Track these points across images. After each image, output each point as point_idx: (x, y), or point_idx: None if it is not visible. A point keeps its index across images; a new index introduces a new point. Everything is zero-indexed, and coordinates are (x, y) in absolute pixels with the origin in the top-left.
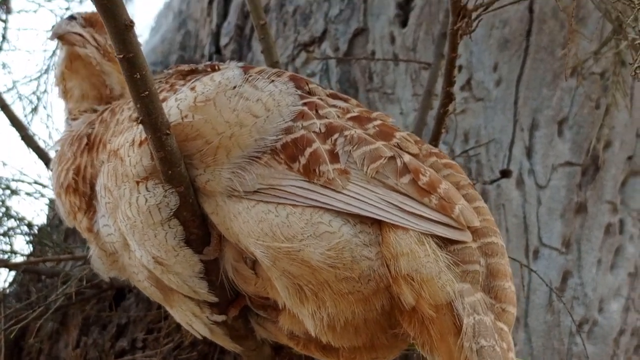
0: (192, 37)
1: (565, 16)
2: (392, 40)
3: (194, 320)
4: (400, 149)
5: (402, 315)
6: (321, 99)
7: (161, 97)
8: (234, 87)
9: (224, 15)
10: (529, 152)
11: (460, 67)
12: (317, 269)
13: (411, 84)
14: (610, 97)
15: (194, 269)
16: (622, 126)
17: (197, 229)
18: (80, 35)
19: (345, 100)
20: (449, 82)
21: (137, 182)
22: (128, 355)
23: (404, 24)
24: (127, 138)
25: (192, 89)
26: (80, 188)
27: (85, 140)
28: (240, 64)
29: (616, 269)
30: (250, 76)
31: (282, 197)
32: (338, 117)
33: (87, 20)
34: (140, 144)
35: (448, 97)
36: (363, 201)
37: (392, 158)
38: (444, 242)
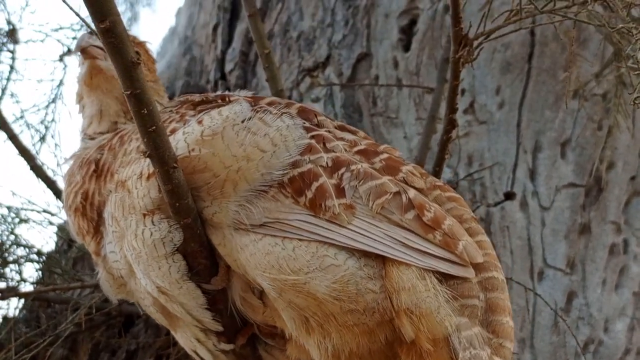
0: (197, 62)
1: (566, 39)
2: (396, 64)
3: (198, 347)
4: (406, 183)
5: (401, 348)
6: (329, 131)
7: (171, 127)
8: (242, 122)
9: (228, 41)
10: (533, 174)
11: (463, 91)
12: (322, 301)
13: (415, 108)
14: (612, 118)
15: (198, 301)
16: (624, 147)
17: (205, 259)
18: (101, 48)
19: (353, 133)
20: (452, 109)
21: (144, 215)
22: None
23: (406, 48)
24: (134, 170)
25: (200, 122)
26: (88, 213)
27: (93, 167)
28: (250, 93)
29: (621, 288)
30: (258, 111)
31: (288, 232)
32: (345, 150)
33: None
34: (149, 177)
35: (451, 124)
36: (368, 237)
37: (398, 193)
38: (444, 276)
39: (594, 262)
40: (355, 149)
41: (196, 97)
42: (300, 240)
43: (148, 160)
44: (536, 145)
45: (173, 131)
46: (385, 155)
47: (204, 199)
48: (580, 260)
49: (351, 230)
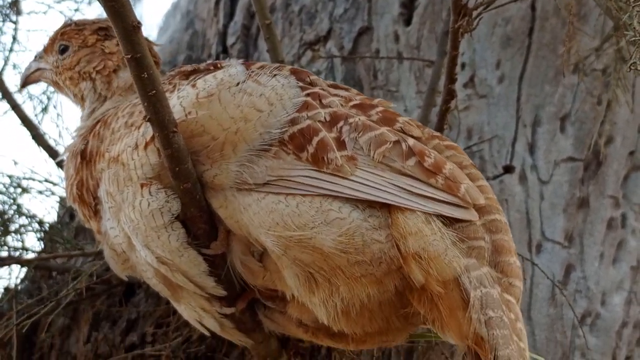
0: (199, 37)
1: (567, 13)
2: (396, 38)
3: (204, 315)
4: (404, 133)
5: (412, 295)
6: (323, 89)
7: None
8: (237, 84)
9: (230, 15)
10: (532, 148)
11: (463, 65)
12: (329, 255)
13: (415, 82)
14: (612, 93)
15: (199, 268)
16: (623, 122)
17: (205, 224)
18: (36, 70)
19: (346, 90)
20: (451, 79)
21: (142, 185)
22: (138, 349)
23: (408, 22)
24: (127, 143)
25: (194, 86)
26: (86, 199)
27: (79, 159)
28: (241, 60)
29: (618, 262)
30: (252, 72)
31: (292, 188)
32: (341, 105)
33: (43, 50)
34: (146, 145)
35: (450, 95)
36: (372, 186)
37: (397, 142)
38: (449, 220)
39: (592, 236)
40: (351, 103)
41: (188, 68)
42: (303, 196)
43: (141, 130)
44: (535, 119)
45: None
46: (380, 108)
47: (204, 163)
48: (579, 234)
49: (355, 181)
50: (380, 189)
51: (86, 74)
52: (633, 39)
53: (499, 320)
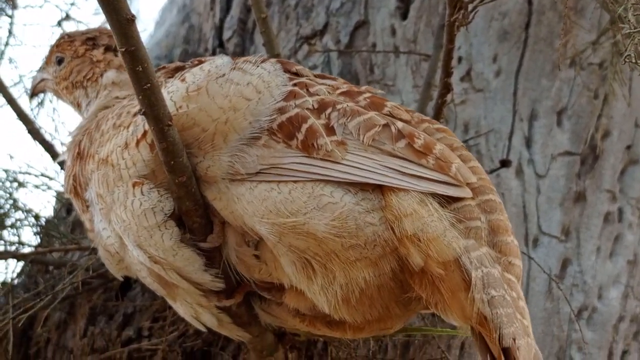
0: (195, 30)
1: (563, 7)
2: (393, 32)
3: (201, 311)
4: (393, 116)
5: (412, 278)
6: (310, 79)
7: None
8: (224, 74)
9: (227, 9)
10: (528, 142)
11: (460, 59)
12: (323, 240)
13: (412, 76)
14: (609, 87)
15: (195, 264)
16: (620, 116)
17: (200, 217)
18: (41, 80)
19: (333, 79)
20: (447, 73)
21: (134, 184)
22: (134, 343)
23: (404, 16)
24: (117, 143)
25: (182, 80)
26: (79, 193)
27: (77, 149)
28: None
29: (615, 256)
30: (238, 63)
31: (284, 175)
32: (329, 93)
33: (45, 61)
34: (137, 142)
35: (446, 88)
36: (363, 169)
37: (386, 125)
38: (445, 201)
39: (588, 230)
40: (338, 91)
41: (171, 66)
42: (295, 182)
43: (131, 128)
44: (532, 113)
45: None
46: (368, 94)
47: (196, 155)
48: (575, 228)
49: (346, 165)
50: (372, 171)
51: (78, 83)
52: (628, 31)
53: (502, 299)
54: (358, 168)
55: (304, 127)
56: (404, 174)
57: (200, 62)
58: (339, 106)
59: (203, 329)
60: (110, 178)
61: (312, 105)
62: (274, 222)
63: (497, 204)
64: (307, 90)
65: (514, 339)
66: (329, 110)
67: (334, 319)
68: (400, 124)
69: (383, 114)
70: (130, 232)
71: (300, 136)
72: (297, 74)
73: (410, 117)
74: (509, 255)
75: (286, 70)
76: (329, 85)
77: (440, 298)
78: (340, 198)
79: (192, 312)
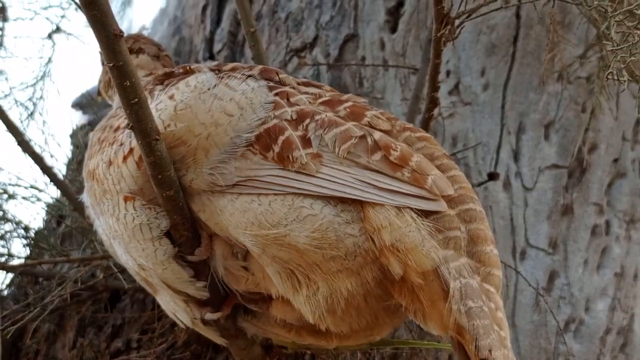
0: (186, 43)
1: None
2: (382, 46)
3: (178, 310)
4: (372, 127)
5: (392, 287)
6: (293, 88)
7: None
8: (208, 89)
9: (217, 22)
10: (516, 155)
11: (448, 72)
12: (304, 251)
13: (400, 89)
14: (596, 100)
15: (182, 278)
16: (607, 129)
17: (187, 231)
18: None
19: (318, 87)
20: (434, 87)
21: (125, 199)
22: (123, 355)
23: (393, 30)
24: (102, 159)
25: (171, 97)
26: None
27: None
28: (214, 63)
29: (602, 269)
30: (222, 77)
31: (261, 188)
32: (309, 102)
33: None
34: (124, 159)
35: (433, 102)
36: (337, 182)
37: (363, 137)
38: (423, 212)
39: (576, 243)
40: (319, 100)
41: (160, 72)
42: (275, 194)
43: (114, 147)
44: (520, 127)
45: None
46: (349, 103)
47: (179, 169)
48: (563, 241)
49: (320, 178)
50: (346, 185)
51: (106, 83)
52: (612, 49)
53: (479, 311)
54: (332, 182)
55: (281, 139)
56: (378, 188)
57: (187, 71)
58: (317, 117)
59: (182, 325)
60: (96, 192)
61: (291, 116)
62: (256, 234)
63: (477, 212)
64: (288, 100)
65: (490, 351)
66: (307, 121)
67: (319, 328)
68: (377, 135)
69: (362, 125)
70: (121, 240)
71: (277, 148)
72: (280, 83)
73: (391, 126)
74: (488, 265)
75: (269, 79)
76: (311, 94)
77: (419, 307)
78: (320, 210)
79: (171, 308)
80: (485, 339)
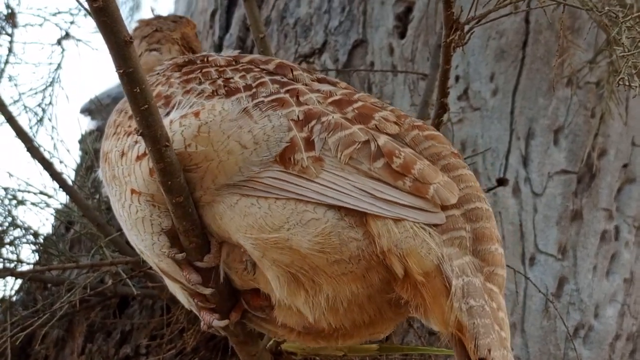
0: None
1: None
2: (391, 51)
3: (176, 292)
4: (378, 130)
5: (395, 282)
6: (305, 84)
7: (157, 90)
8: (230, 120)
9: (226, 27)
10: (525, 161)
11: (457, 78)
12: (307, 255)
13: (409, 94)
14: (605, 106)
15: (178, 270)
16: (617, 134)
17: (197, 237)
18: None
19: (333, 84)
20: (443, 93)
21: (132, 191)
22: None
23: (402, 35)
24: (116, 145)
25: (196, 114)
26: None
27: None
28: (233, 54)
29: (612, 274)
30: (247, 107)
31: (260, 190)
32: (319, 102)
33: None
34: (138, 158)
35: (442, 108)
36: (335, 189)
37: (367, 142)
38: None
39: (585, 248)
40: (329, 100)
41: (179, 60)
42: (277, 198)
43: (129, 140)
44: (529, 132)
45: (159, 95)
46: (359, 104)
47: (188, 184)
48: (572, 247)
49: (319, 184)
50: (344, 193)
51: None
52: (622, 54)
53: (481, 310)
54: (331, 188)
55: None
56: (376, 197)
57: (204, 60)
58: (323, 119)
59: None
60: (107, 174)
61: (298, 116)
62: (256, 238)
63: (483, 211)
64: (297, 98)
65: (489, 350)
66: (313, 122)
67: (328, 329)
68: (382, 141)
69: (368, 128)
70: (124, 224)
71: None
72: (294, 79)
73: (400, 127)
74: (492, 264)
75: (283, 75)
76: (322, 92)
77: (422, 302)
78: (324, 214)
79: (171, 287)
80: (485, 338)
